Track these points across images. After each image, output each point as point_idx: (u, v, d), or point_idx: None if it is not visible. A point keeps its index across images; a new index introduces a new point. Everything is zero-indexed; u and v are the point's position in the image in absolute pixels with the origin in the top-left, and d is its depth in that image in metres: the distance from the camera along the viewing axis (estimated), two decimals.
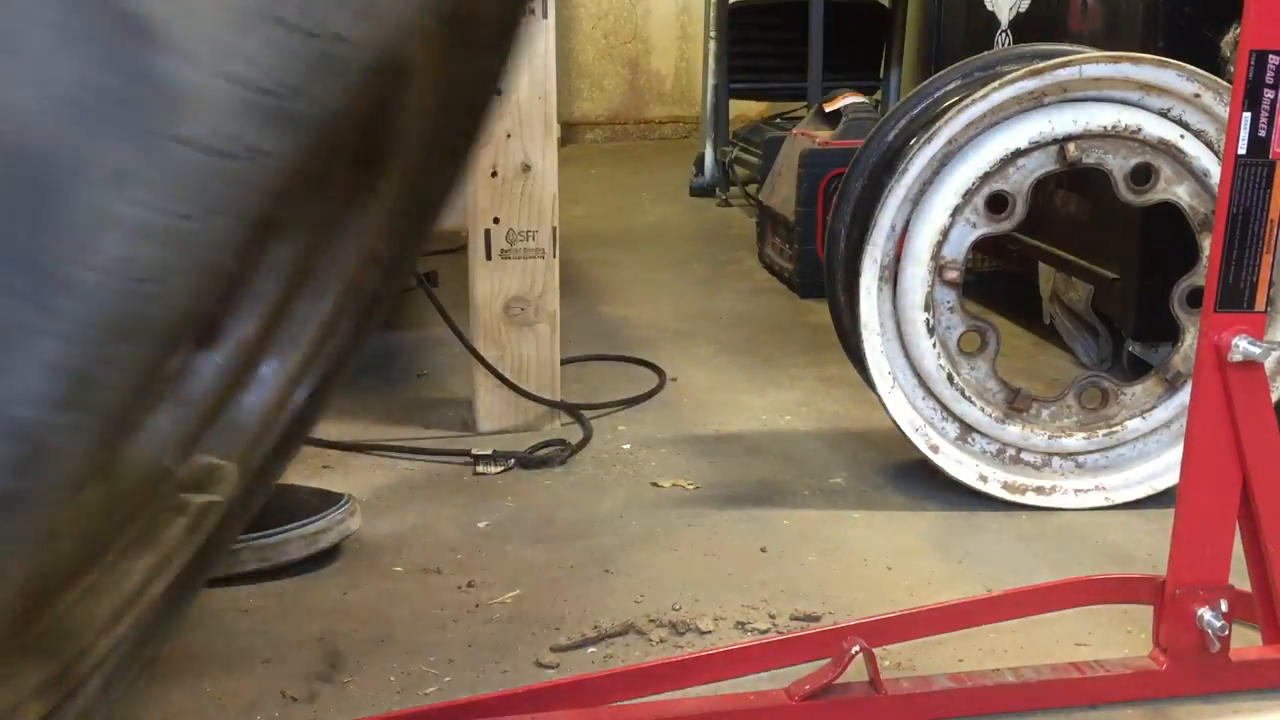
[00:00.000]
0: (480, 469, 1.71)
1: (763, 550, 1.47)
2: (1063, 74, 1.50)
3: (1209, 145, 1.55)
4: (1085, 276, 2.07)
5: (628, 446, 1.81)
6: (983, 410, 1.59)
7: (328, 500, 1.43)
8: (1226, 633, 1.13)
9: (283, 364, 1.07)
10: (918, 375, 1.59)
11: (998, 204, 1.56)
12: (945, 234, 1.55)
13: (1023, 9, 2.27)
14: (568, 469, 1.73)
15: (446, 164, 1.00)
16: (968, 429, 1.61)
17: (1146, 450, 1.63)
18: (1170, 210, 1.58)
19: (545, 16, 1.72)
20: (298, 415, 1.09)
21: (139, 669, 1.04)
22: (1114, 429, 1.61)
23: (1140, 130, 1.53)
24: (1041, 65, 1.50)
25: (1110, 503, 1.60)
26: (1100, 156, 1.55)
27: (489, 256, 1.79)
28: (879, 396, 1.60)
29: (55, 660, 0.91)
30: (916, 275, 1.55)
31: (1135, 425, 1.61)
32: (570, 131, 5.51)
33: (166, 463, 1.00)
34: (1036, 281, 2.35)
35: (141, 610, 1.00)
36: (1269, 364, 1.27)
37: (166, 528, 1.02)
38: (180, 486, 1.03)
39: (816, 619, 1.31)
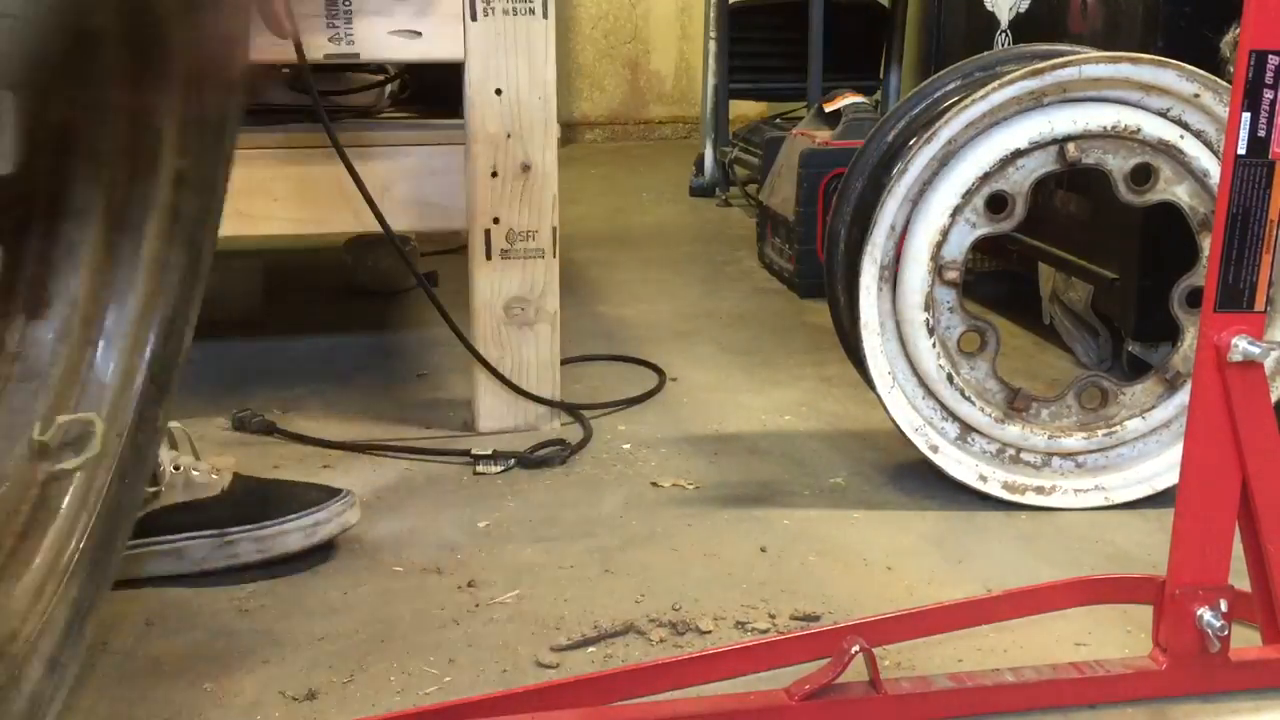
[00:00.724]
0: (480, 469, 1.71)
1: (763, 550, 1.48)
2: (1063, 74, 1.50)
3: (1209, 145, 1.55)
4: (1085, 276, 2.07)
5: (628, 446, 1.81)
6: (982, 410, 1.59)
7: (327, 493, 1.44)
8: (1226, 633, 1.13)
9: (122, 310, 1.07)
10: (918, 375, 1.60)
11: (997, 204, 1.56)
12: (945, 234, 1.55)
13: (1023, 9, 2.27)
14: (568, 469, 1.73)
15: (221, 69, 0.99)
16: (967, 429, 1.61)
17: (1146, 450, 1.63)
18: (1170, 210, 1.58)
19: (545, 16, 1.72)
20: (158, 358, 1.09)
21: (82, 644, 1.05)
22: (1114, 429, 1.61)
23: (1140, 130, 1.53)
24: (1041, 65, 1.50)
25: (1110, 502, 1.60)
26: (1100, 157, 1.55)
27: (489, 256, 1.79)
28: (879, 396, 1.60)
29: None
30: (916, 275, 1.55)
31: (1135, 425, 1.62)
32: (570, 131, 5.51)
33: (37, 436, 1.01)
34: (1036, 281, 2.35)
35: (61, 584, 1.01)
36: (1269, 364, 1.27)
37: (56, 499, 1.02)
38: (54, 454, 1.03)
39: (816, 619, 1.31)
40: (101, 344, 1.07)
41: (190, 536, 1.37)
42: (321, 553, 1.43)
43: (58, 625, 1.02)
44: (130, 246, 1.05)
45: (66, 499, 1.04)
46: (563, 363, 1.90)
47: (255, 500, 1.39)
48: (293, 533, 1.40)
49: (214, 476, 1.39)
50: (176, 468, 1.37)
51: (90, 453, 1.04)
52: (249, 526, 1.38)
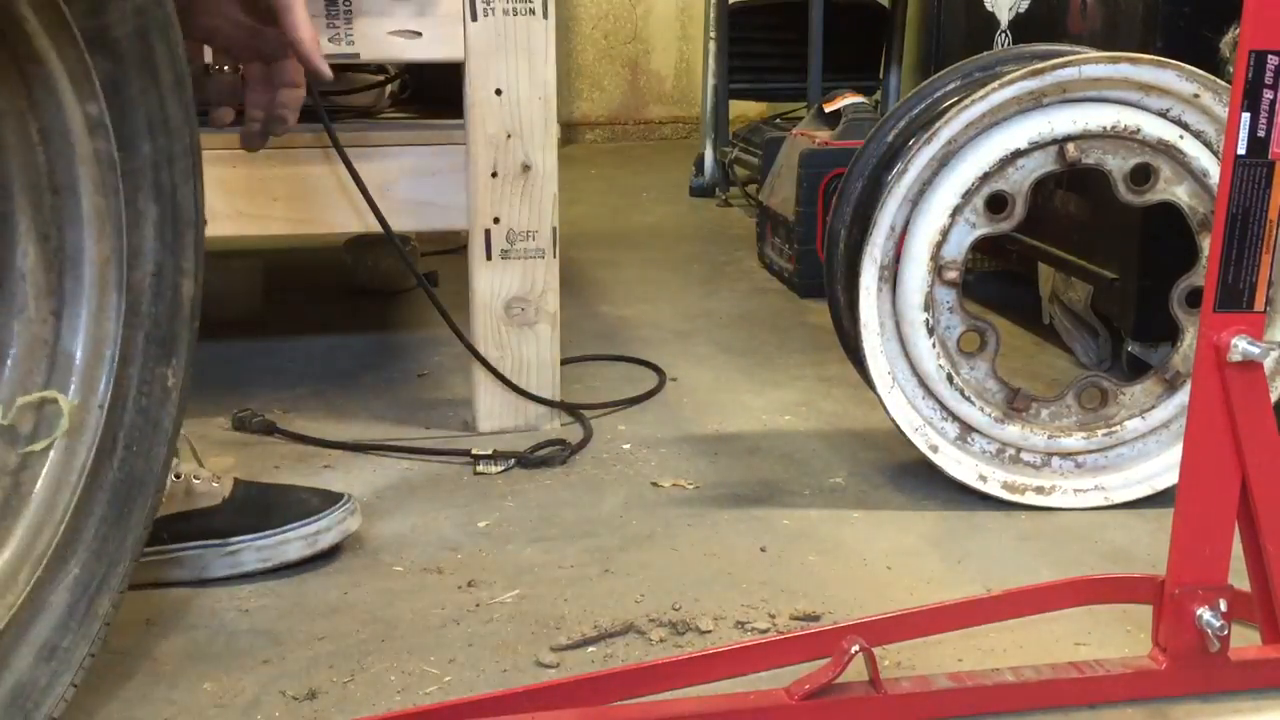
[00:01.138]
0: (480, 469, 1.71)
1: (763, 550, 1.48)
2: (1062, 74, 1.50)
3: (1208, 145, 1.55)
4: (1085, 276, 2.07)
5: (628, 446, 1.81)
6: (982, 410, 1.59)
7: (328, 500, 1.44)
8: (1226, 632, 1.13)
9: (79, 275, 1.02)
10: (917, 375, 1.60)
11: (997, 204, 1.56)
12: (945, 234, 1.55)
13: (1022, 9, 2.27)
14: (568, 469, 1.73)
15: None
16: (967, 429, 1.61)
17: (1146, 450, 1.63)
18: (1170, 210, 1.58)
19: (545, 16, 1.72)
20: (151, 316, 1.04)
21: (93, 625, 1.02)
22: (1113, 429, 1.61)
23: (1139, 130, 1.53)
24: (1041, 65, 1.51)
25: (1110, 502, 1.60)
26: (1100, 157, 1.55)
27: (489, 256, 1.79)
28: (879, 396, 1.60)
29: None
30: (916, 275, 1.55)
31: (1134, 425, 1.62)
32: (570, 131, 5.51)
33: (1, 420, 0.97)
34: (1036, 281, 2.35)
35: (40, 568, 0.98)
36: (1268, 364, 1.27)
37: (29, 483, 0.99)
38: (22, 437, 0.99)
39: (816, 619, 1.31)
40: (64, 314, 1.02)
41: (192, 546, 1.37)
42: (322, 554, 1.43)
43: (56, 609, 1.00)
44: (70, 207, 0.99)
45: (39, 481, 1.01)
46: (563, 363, 1.90)
47: (256, 508, 1.39)
48: (294, 542, 1.40)
49: (215, 484, 1.39)
50: (178, 476, 1.37)
51: (59, 430, 1.01)
52: (251, 536, 1.38)
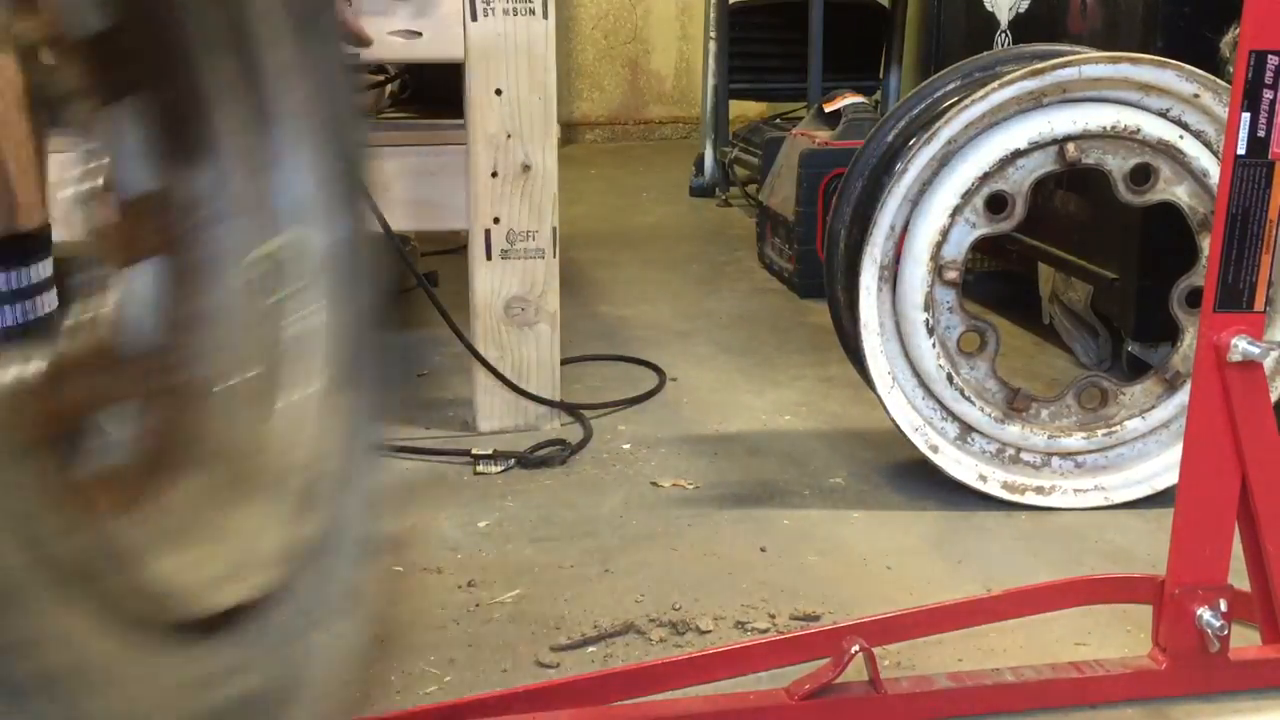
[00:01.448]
0: (480, 469, 1.71)
1: (763, 550, 1.48)
2: (1062, 74, 1.50)
3: (1208, 145, 1.55)
4: (1085, 276, 2.07)
5: (628, 446, 1.81)
6: (982, 410, 1.59)
7: None
8: (1226, 632, 1.13)
9: (287, 121, 1.03)
10: (917, 375, 1.60)
11: (997, 204, 1.56)
12: (945, 234, 1.55)
13: (1022, 9, 2.28)
14: (568, 469, 1.73)
15: None
16: (967, 429, 1.61)
17: (1146, 450, 1.63)
18: (1170, 210, 1.58)
19: (545, 16, 1.72)
20: (341, 158, 1.06)
21: (368, 458, 1.01)
22: (1113, 429, 1.61)
23: (1139, 130, 1.53)
24: (1041, 65, 1.51)
25: (1110, 502, 1.60)
26: (1099, 157, 1.55)
27: (489, 256, 1.79)
28: (879, 396, 1.60)
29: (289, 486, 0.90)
30: (916, 275, 1.55)
31: (1134, 425, 1.62)
32: (570, 131, 5.51)
33: (244, 271, 0.98)
34: (1036, 281, 2.35)
35: (323, 406, 0.98)
36: (1268, 364, 1.27)
37: (282, 328, 1.00)
38: (266, 285, 1.00)
39: (816, 619, 1.31)
40: (272, 167, 1.03)
41: None
42: None
43: (339, 446, 1.00)
44: (259, 62, 1.01)
45: (294, 324, 1.01)
46: (563, 363, 1.90)
47: None
48: None
49: None
50: None
51: (302, 276, 1.01)
52: None
